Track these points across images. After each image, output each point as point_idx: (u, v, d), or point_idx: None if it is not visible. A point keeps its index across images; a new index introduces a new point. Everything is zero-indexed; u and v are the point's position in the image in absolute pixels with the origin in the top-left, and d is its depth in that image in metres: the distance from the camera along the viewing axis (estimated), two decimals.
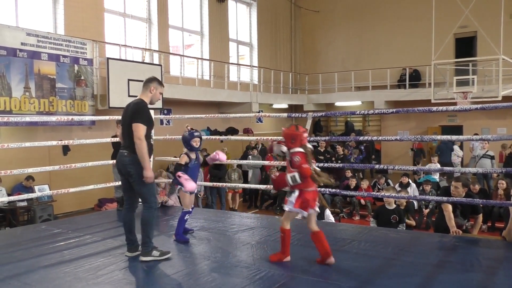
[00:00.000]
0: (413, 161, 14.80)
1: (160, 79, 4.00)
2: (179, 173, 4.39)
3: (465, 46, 15.81)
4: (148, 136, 3.88)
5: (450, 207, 4.94)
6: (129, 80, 10.11)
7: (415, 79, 16.16)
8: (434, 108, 5.01)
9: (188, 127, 4.78)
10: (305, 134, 3.69)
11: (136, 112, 3.84)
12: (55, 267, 3.83)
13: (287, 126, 3.75)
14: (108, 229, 5.27)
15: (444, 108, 4.99)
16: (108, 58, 10.07)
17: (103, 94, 10.12)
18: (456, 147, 13.34)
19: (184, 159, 4.54)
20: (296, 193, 3.62)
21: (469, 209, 5.15)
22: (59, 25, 10.35)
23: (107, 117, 7.21)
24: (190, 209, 4.62)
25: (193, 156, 4.60)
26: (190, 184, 4.34)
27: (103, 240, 4.69)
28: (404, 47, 16.77)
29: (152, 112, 4.11)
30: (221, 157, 4.74)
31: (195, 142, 4.57)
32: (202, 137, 4.75)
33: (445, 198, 4.90)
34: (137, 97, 4.03)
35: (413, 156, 15.09)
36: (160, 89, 4.04)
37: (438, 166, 10.83)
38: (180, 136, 4.72)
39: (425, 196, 8.38)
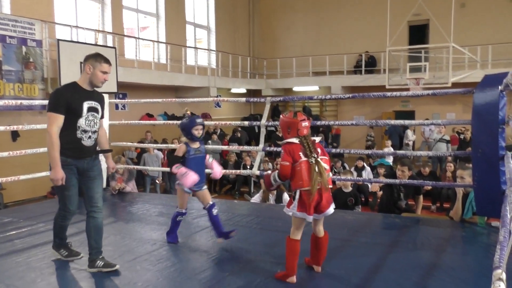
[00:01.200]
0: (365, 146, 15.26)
1: (101, 55, 3.29)
2: (174, 168, 3.75)
3: (419, 34, 16.31)
4: (70, 128, 3.17)
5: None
6: (81, 62, 9.72)
7: (370, 65, 16.55)
8: (389, 94, 5.17)
9: (188, 112, 4.14)
10: (304, 123, 3.04)
11: (49, 99, 3.23)
12: (6, 257, 3.69)
13: (285, 114, 3.17)
14: None
15: (398, 93, 5.17)
16: (58, 40, 9.66)
17: (54, 78, 9.72)
18: (408, 132, 13.86)
19: (181, 150, 3.81)
20: (297, 194, 2.97)
21: (411, 191, 5.49)
22: (4, 4, 9.80)
23: None
24: (184, 210, 3.96)
25: (194, 145, 3.85)
26: (188, 179, 3.66)
27: None
28: (360, 34, 17.09)
29: (106, 97, 3.89)
30: (215, 171, 4.11)
31: (197, 131, 3.78)
32: (160, 122, 4.45)
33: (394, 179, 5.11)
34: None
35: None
36: (100, 67, 3.22)
37: (392, 150, 11.21)
38: (137, 121, 4.57)
39: (375, 178, 8.67)
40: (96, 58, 3.26)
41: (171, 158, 3.73)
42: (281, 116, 3.18)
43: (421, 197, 5.67)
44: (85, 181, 3.36)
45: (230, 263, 3.45)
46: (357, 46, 16.82)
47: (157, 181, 10.46)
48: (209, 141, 12.50)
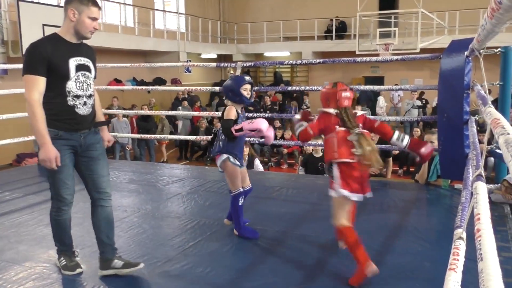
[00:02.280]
0: None
1: None
2: (246, 124, 2.97)
3: None
4: (58, 93, 2.52)
5: None
6: (43, 25, 9.33)
7: (341, 30, 16.52)
8: (358, 59, 5.19)
9: (233, 72, 3.66)
10: (345, 93, 2.68)
11: (24, 57, 2.54)
12: None
13: (325, 86, 2.84)
14: (30, 185, 5.02)
15: (368, 59, 5.19)
16: (18, 0, 9.17)
17: (14, 40, 9.30)
18: (380, 99, 14.03)
19: (233, 113, 3.11)
20: (335, 168, 2.57)
21: (381, 153, 5.60)
22: None
23: (21, 66, 6.67)
24: (242, 189, 3.26)
25: (239, 109, 3.22)
26: (271, 130, 3.02)
27: (25, 196, 4.47)
28: None
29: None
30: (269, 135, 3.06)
31: (246, 91, 3.18)
32: (129, 87, 3.88)
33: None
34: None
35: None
36: (87, 11, 2.51)
37: (362, 113, 11.35)
38: (105, 87, 4.39)
39: None
40: (82, 0, 2.53)
41: (222, 122, 3.11)
42: (321, 89, 2.81)
43: (391, 160, 5.80)
44: (86, 162, 2.70)
45: (202, 228, 3.49)
46: (327, 11, 16.71)
47: (126, 147, 10.33)
48: (179, 107, 12.36)
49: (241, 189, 3.24)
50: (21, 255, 3.04)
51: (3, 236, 3.39)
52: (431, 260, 2.81)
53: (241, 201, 3.23)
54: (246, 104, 3.26)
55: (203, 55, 17.13)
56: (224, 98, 3.21)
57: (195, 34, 15.99)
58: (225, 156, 3.18)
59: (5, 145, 5.99)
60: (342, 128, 2.60)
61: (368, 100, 14.94)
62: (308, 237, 3.28)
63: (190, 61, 15.52)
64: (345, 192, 2.53)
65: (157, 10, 14.85)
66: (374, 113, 14.51)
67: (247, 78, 3.23)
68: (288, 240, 3.24)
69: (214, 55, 17.71)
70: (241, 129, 2.97)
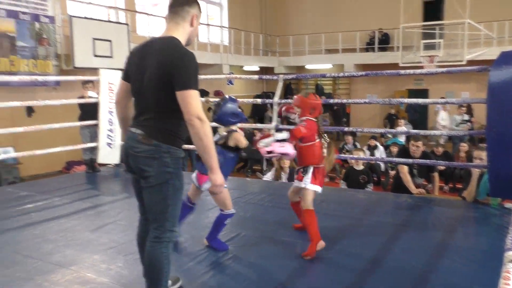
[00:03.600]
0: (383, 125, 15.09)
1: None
2: (268, 149, 3.16)
3: (433, 10, 15.93)
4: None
5: (405, 168, 5.16)
6: (94, 39, 9.76)
7: (384, 42, 16.27)
8: (402, 71, 5.13)
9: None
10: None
11: (182, 67, 2.11)
12: (24, 229, 3.79)
13: (302, 94, 3.32)
14: (77, 192, 5.22)
15: (411, 71, 5.10)
16: (71, 16, 9.64)
17: (67, 54, 9.74)
18: (441, 112, 13.08)
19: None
20: (311, 169, 3.23)
21: (425, 168, 5.40)
22: None
23: (73, 78, 7.00)
24: (234, 210, 3.29)
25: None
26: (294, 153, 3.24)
27: (72, 202, 4.64)
28: (373, 10, 16.73)
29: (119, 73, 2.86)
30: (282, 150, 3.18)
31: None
32: None
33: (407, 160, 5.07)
34: (167, 33, 2.27)
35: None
36: (200, 17, 2.37)
37: (405, 129, 11.11)
38: None
39: (386, 157, 8.61)
40: (199, 6, 2.33)
41: (250, 147, 3.26)
42: (298, 96, 3.31)
43: (437, 175, 5.58)
44: None
45: (242, 240, 3.50)
46: (370, 23, 16.50)
47: None
48: None
49: (234, 210, 3.27)
50: (67, 259, 3.16)
51: (52, 239, 3.53)
52: (480, 282, 2.69)
53: (228, 221, 3.28)
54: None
55: (246, 68, 17.31)
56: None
57: (238, 47, 16.21)
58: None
59: (55, 152, 6.25)
60: (318, 140, 3.24)
61: (414, 113, 14.57)
62: (349, 252, 3.22)
63: (232, 73, 15.72)
64: (316, 188, 3.23)
65: (201, 24, 15.18)
66: (419, 126, 14.08)
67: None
68: (329, 255, 3.19)
69: (256, 68, 17.86)
70: (272, 152, 3.13)
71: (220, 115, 3.19)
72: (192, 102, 2.08)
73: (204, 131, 2.09)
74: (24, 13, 9.00)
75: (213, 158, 2.16)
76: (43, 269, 2.98)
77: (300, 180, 3.28)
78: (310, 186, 3.22)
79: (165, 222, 2.24)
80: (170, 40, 2.21)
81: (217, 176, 2.20)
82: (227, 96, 3.32)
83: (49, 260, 3.11)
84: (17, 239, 3.55)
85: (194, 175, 3.34)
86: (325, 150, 3.32)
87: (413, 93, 16.07)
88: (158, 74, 2.14)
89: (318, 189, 3.26)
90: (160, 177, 2.18)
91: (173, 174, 2.21)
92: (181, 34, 2.26)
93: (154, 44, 2.24)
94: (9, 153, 7.82)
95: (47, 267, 3.00)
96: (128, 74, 2.35)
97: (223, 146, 3.16)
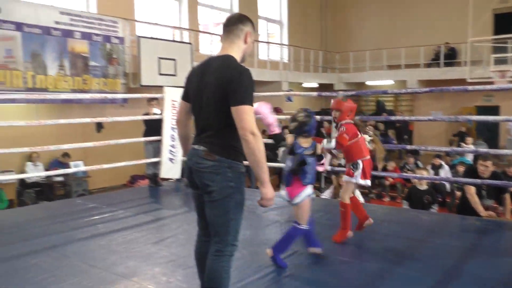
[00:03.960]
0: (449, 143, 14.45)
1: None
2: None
3: (505, 23, 15.12)
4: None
5: (473, 189, 4.80)
6: (159, 58, 10.20)
7: (450, 57, 15.64)
8: (470, 87, 4.87)
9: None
10: None
11: (239, 83, 2.19)
12: (90, 239, 3.97)
13: (341, 98, 3.87)
14: (140, 205, 5.41)
15: (481, 87, 4.85)
16: (139, 37, 10.16)
17: (134, 72, 10.25)
18: None
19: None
20: (360, 164, 3.60)
21: (495, 189, 5.01)
22: (91, 4, 10.47)
23: (138, 95, 7.34)
24: (307, 227, 3.31)
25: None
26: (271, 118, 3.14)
27: (136, 215, 4.82)
28: (439, 24, 16.18)
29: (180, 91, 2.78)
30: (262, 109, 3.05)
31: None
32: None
33: (475, 180, 4.77)
34: (224, 52, 2.36)
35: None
36: (254, 35, 2.44)
37: (472, 147, 10.55)
38: None
39: (450, 177, 8.17)
40: (252, 23, 2.43)
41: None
42: (338, 100, 3.79)
43: (508, 196, 5.14)
44: None
45: (299, 258, 3.45)
46: (435, 37, 15.94)
47: None
48: None
49: (307, 227, 3.28)
50: (130, 270, 3.27)
51: (116, 251, 3.67)
52: None
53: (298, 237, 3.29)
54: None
55: (305, 84, 17.32)
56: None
57: (297, 64, 16.27)
58: (311, 189, 3.28)
59: (121, 166, 6.55)
60: (361, 135, 3.65)
61: (486, 131, 13.82)
62: (412, 277, 3.08)
63: (292, 90, 15.78)
64: (366, 182, 3.63)
65: (261, 42, 15.43)
66: (490, 145, 13.31)
67: None
68: (389, 278, 3.07)
69: (315, 84, 17.81)
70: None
71: (312, 126, 3.32)
72: (246, 117, 2.16)
73: (258, 146, 2.17)
74: (97, 34, 9.60)
75: (265, 172, 2.22)
76: (107, 279, 3.10)
77: (351, 176, 3.64)
78: (361, 181, 3.60)
79: (227, 236, 2.29)
80: (226, 58, 2.31)
81: (268, 190, 2.25)
82: (309, 110, 3.42)
83: (113, 271, 3.24)
84: (84, 249, 3.73)
85: (283, 192, 3.31)
86: (368, 144, 3.75)
87: (482, 110, 15.26)
88: (217, 91, 2.23)
89: (368, 183, 3.64)
90: (223, 192, 2.25)
91: (236, 189, 2.29)
92: (236, 51, 2.36)
93: (212, 63, 2.33)
94: (80, 167, 8.31)
95: (111, 278, 3.12)
96: (188, 94, 2.45)
97: (311, 156, 3.24)
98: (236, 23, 2.37)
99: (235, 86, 2.18)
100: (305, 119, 3.30)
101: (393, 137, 14.21)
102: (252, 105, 2.20)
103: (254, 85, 2.25)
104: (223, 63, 2.28)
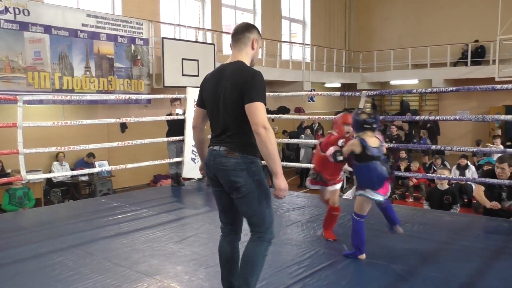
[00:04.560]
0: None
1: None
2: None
3: None
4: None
5: (482, 188, 4.82)
6: (183, 59, 10.30)
7: (478, 55, 15.28)
8: (499, 86, 4.75)
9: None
10: None
11: (252, 84, 2.38)
12: (114, 238, 4.04)
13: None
14: (163, 204, 5.48)
15: (511, 86, 4.71)
16: (163, 38, 10.27)
17: (158, 73, 10.37)
18: None
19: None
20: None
21: None
22: (116, 6, 10.65)
23: (162, 96, 7.42)
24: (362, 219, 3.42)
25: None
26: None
27: (158, 214, 4.88)
28: (466, 22, 15.84)
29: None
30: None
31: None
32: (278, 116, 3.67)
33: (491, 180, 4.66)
34: (234, 59, 2.57)
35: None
36: (260, 41, 2.66)
37: (501, 147, 10.28)
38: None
39: (474, 178, 7.95)
40: (258, 30, 2.64)
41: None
42: (345, 114, 3.91)
43: None
44: None
45: (320, 258, 3.43)
46: (462, 36, 15.60)
47: None
48: (302, 135, 12.51)
49: (362, 219, 3.42)
50: (153, 268, 3.31)
51: (139, 249, 3.72)
52: None
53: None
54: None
55: (327, 84, 17.21)
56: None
57: (320, 64, 16.18)
58: None
59: (144, 166, 6.63)
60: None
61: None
62: (436, 279, 3.02)
63: (314, 90, 15.70)
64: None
65: (284, 42, 15.40)
66: None
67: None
68: (413, 280, 3.02)
69: (338, 84, 17.68)
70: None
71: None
72: (258, 112, 2.35)
73: (269, 139, 2.33)
74: (122, 36, 9.76)
75: (278, 164, 2.37)
76: (130, 277, 3.14)
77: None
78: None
79: (265, 224, 2.48)
80: (238, 63, 2.52)
81: (282, 181, 2.38)
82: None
83: (136, 269, 3.28)
84: (108, 247, 3.80)
85: (379, 196, 3.34)
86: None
87: (511, 110, 14.87)
88: (234, 93, 2.42)
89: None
90: (251, 185, 2.42)
91: (261, 181, 2.46)
92: (245, 57, 2.57)
93: (225, 70, 2.53)
94: (104, 167, 8.46)
95: (134, 276, 3.16)
96: (203, 101, 2.64)
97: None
98: (243, 32, 2.57)
99: (248, 86, 2.38)
100: (371, 110, 3.49)
101: (425, 137, 14.00)
102: (264, 102, 2.39)
103: (265, 85, 2.45)
104: (237, 68, 2.49)
